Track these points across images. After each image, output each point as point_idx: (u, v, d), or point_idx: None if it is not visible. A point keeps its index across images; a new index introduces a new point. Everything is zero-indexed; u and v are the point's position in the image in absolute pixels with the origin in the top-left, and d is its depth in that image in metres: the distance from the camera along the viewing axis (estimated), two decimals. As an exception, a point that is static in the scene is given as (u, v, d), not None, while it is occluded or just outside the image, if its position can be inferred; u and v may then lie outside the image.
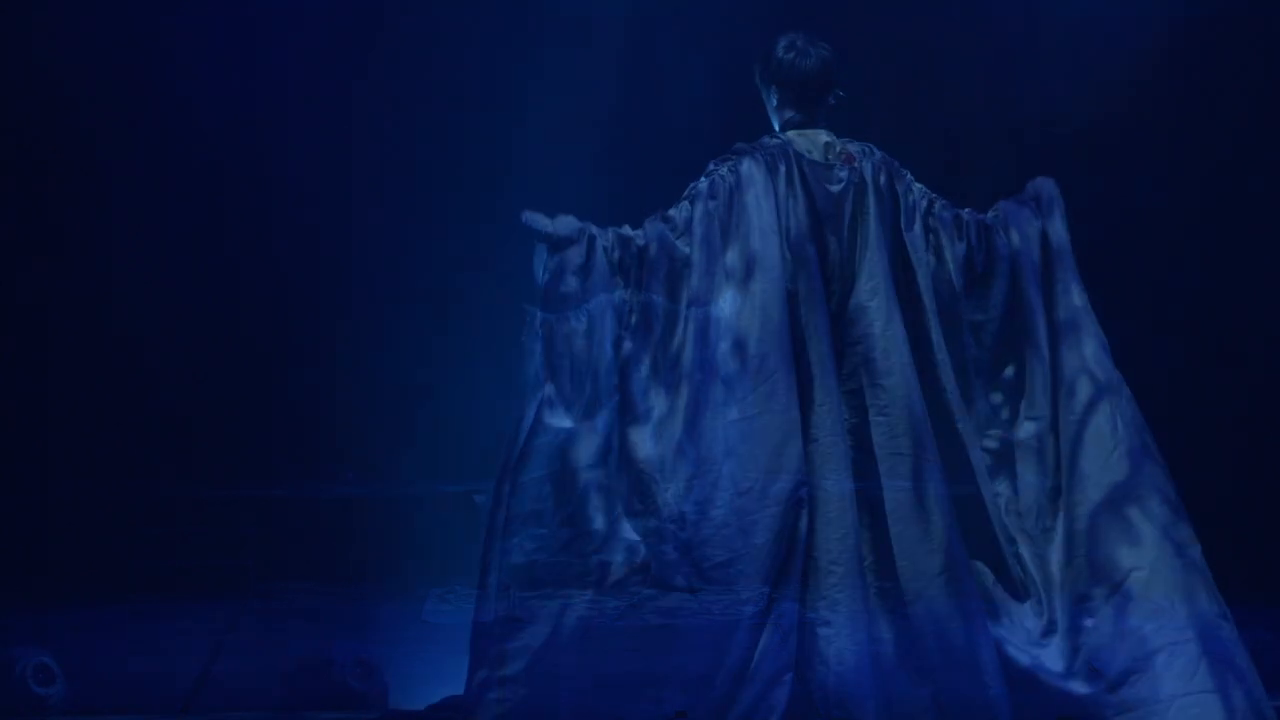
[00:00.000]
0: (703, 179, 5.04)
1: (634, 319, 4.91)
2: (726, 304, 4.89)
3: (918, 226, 5.07)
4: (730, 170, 5.00)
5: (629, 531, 4.74)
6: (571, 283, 4.95)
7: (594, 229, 5.03)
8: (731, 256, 4.93)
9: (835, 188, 5.03)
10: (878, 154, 5.10)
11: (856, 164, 5.06)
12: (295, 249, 7.58)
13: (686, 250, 4.94)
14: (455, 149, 7.68)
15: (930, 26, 7.89)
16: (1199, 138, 7.96)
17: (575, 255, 4.96)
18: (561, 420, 4.84)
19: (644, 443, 4.78)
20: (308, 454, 7.59)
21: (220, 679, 7.35)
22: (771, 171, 4.98)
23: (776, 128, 5.15)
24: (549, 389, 4.91)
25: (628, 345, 4.90)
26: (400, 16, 7.60)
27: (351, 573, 7.56)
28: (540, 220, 5.03)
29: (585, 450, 4.83)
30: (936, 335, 4.99)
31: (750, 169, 4.99)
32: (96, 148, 7.40)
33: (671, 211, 5.01)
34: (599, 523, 4.78)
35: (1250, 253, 7.99)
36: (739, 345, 4.84)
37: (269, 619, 7.43)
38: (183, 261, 7.48)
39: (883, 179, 5.08)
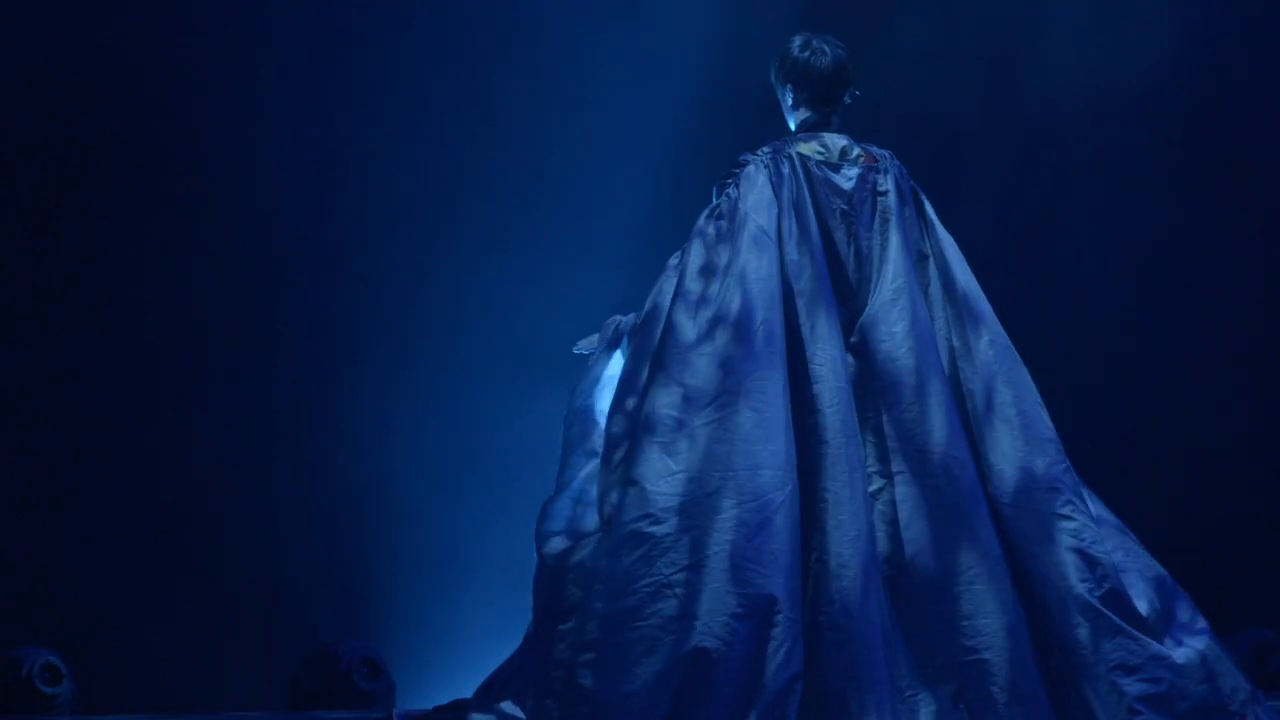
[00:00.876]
0: (706, 209, 5.04)
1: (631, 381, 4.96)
2: (709, 308, 4.87)
3: (941, 233, 5.06)
4: (734, 185, 4.99)
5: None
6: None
7: (622, 318, 5.22)
8: (723, 260, 4.91)
9: (848, 185, 5.00)
10: (897, 162, 5.09)
11: (878, 166, 5.04)
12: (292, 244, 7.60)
13: (675, 285, 4.93)
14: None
15: (928, 24, 7.92)
16: (1203, 137, 7.99)
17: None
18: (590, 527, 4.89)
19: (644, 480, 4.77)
20: (312, 452, 7.60)
21: (226, 678, 7.36)
22: (774, 172, 4.95)
23: (792, 128, 5.13)
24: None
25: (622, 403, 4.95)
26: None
27: (358, 570, 7.56)
28: (591, 342, 5.29)
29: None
30: (959, 340, 4.97)
31: (751, 174, 4.98)
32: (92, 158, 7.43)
33: (673, 259, 5.03)
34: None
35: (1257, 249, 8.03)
36: (723, 346, 4.81)
37: (275, 617, 7.43)
38: (187, 265, 7.50)
39: (904, 185, 5.07)
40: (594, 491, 4.90)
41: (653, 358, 4.85)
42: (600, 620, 4.62)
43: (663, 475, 4.67)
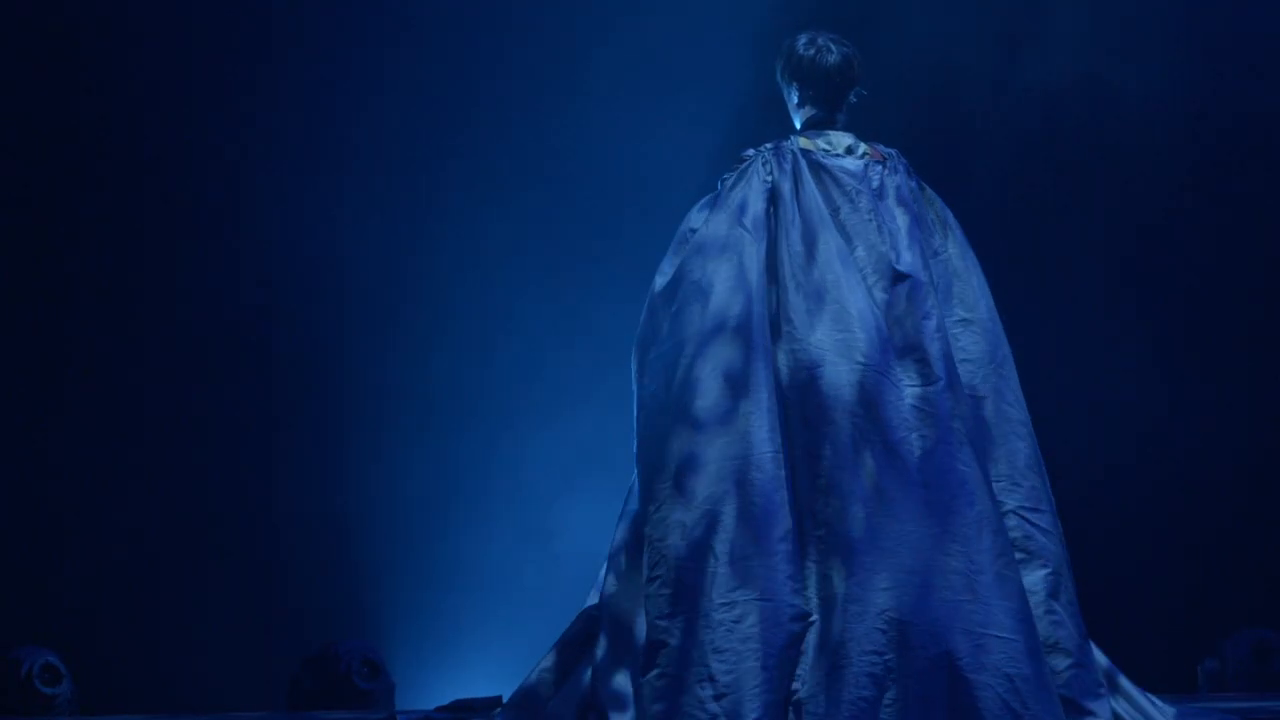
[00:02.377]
0: (699, 203, 5.01)
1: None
2: (692, 305, 4.86)
3: (956, 232, 5.04)
4: (732, 179, 4.97)
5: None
6: None
7: None
8: (710, 253, 4.90)
9: (855, 168, 4.97)
10: (905, 159, 5.07)
11: (885, 162, 5.02)
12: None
13: (649, 303, 4.93)
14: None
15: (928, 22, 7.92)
16: (1207, 137, 7.99)
17: None
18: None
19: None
20: (312, 455, 7.60)
21: (226, 678, 7.35)
22: (774, 165, 4.93)
23: (797, 126, 5.10)
24: None
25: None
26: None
27: (358, 572, 7.55)
28: None
29: None
30: (971, 345, 4.95)
31: (748, 168, 4.96)
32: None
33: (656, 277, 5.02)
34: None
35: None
36: (713, 348, 4.80)
37: (275, 617, 7.42)
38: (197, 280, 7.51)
39: (914, 182, 5.05)
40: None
41: (643, 394, 4.88)
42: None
43: (670, 525, 4.70)
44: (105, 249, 7.40)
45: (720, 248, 4.85)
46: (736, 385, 4.71)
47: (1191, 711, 5.12)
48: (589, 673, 4.77)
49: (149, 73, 7.45)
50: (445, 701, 6.24)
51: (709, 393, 4.71)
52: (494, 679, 6.80)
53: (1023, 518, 4.81)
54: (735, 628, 4.55)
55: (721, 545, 4.60)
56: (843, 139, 5.03)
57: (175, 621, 7.32)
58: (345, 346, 7.59)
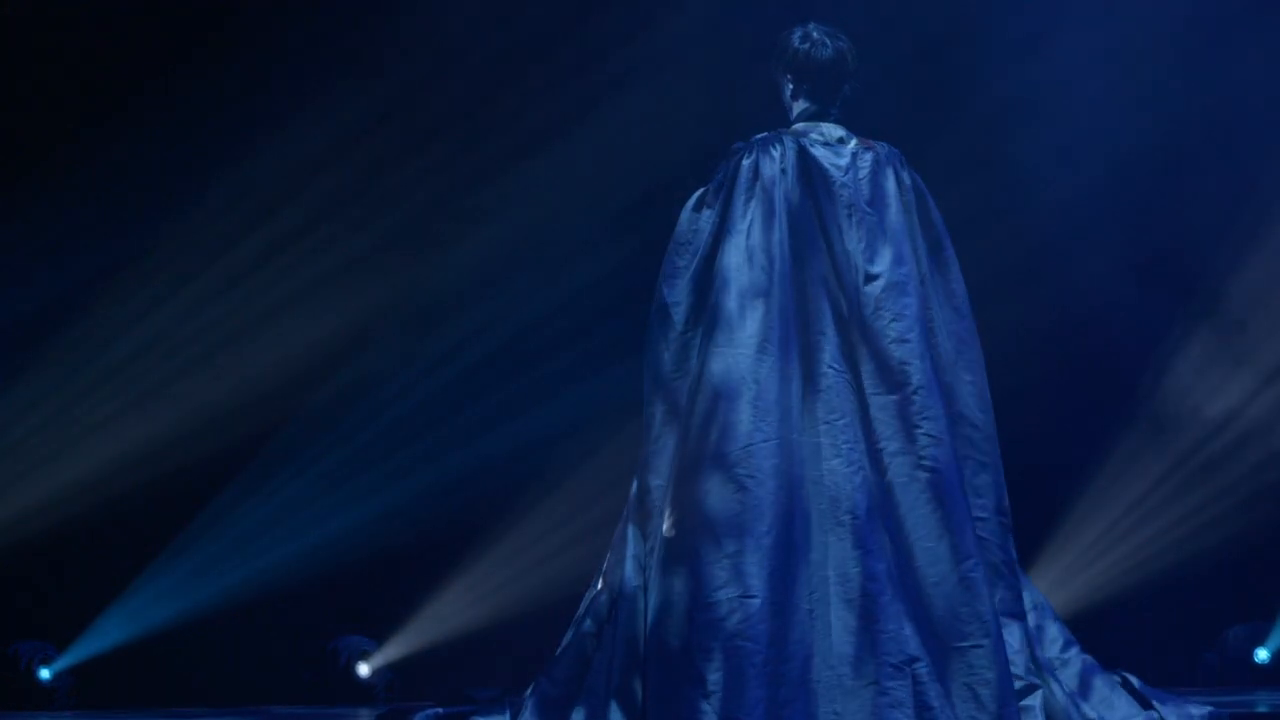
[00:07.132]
0: (692, 198, 5.02)
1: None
2: (692, 316, 4.89)
3: (941, 230, 5.05)
4: (724, 173, 4.98)
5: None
6: None
7: None
8: (702, 253, 4.92)
9: (843, 161, 4.98)
10: (898, 151, 5.07)
11: (876, 153, 5.02)
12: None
13: (676, 307, 4.93)
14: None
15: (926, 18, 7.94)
16: (1211, 136, 8.00)
17: None
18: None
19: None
20: (311, 455, 7.63)
21: (226, 672, 7.37)
22: (765, 157, 4.93)
23: (791, 119, 5.11)
24: None
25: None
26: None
27: (357, 569, 7.58)
28: None
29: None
30: (949, 345, 4.96)
31: (739, 163, 4.97)
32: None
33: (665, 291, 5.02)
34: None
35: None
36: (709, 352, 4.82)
37: (275, 613, 7.44)
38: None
39: (904, 176, 5.05)
40: None
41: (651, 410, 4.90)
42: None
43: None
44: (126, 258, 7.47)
45: (715, 250, 4.88)
46: (748, 404, 4.73)
47: (1185, 702, 5.13)
48: (606, 671, 4.79)
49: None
50: (444, 693, 6.27)
51: (720, 417, 4.73)
52: (492, 674, 6.84)
53: (979, 519, 4.85)
54: (722, 626, 4.57)
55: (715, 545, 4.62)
56: (835, 132, 5.04)
57: (176, 617, 7.34)
58: (347, 366, 7.63)
